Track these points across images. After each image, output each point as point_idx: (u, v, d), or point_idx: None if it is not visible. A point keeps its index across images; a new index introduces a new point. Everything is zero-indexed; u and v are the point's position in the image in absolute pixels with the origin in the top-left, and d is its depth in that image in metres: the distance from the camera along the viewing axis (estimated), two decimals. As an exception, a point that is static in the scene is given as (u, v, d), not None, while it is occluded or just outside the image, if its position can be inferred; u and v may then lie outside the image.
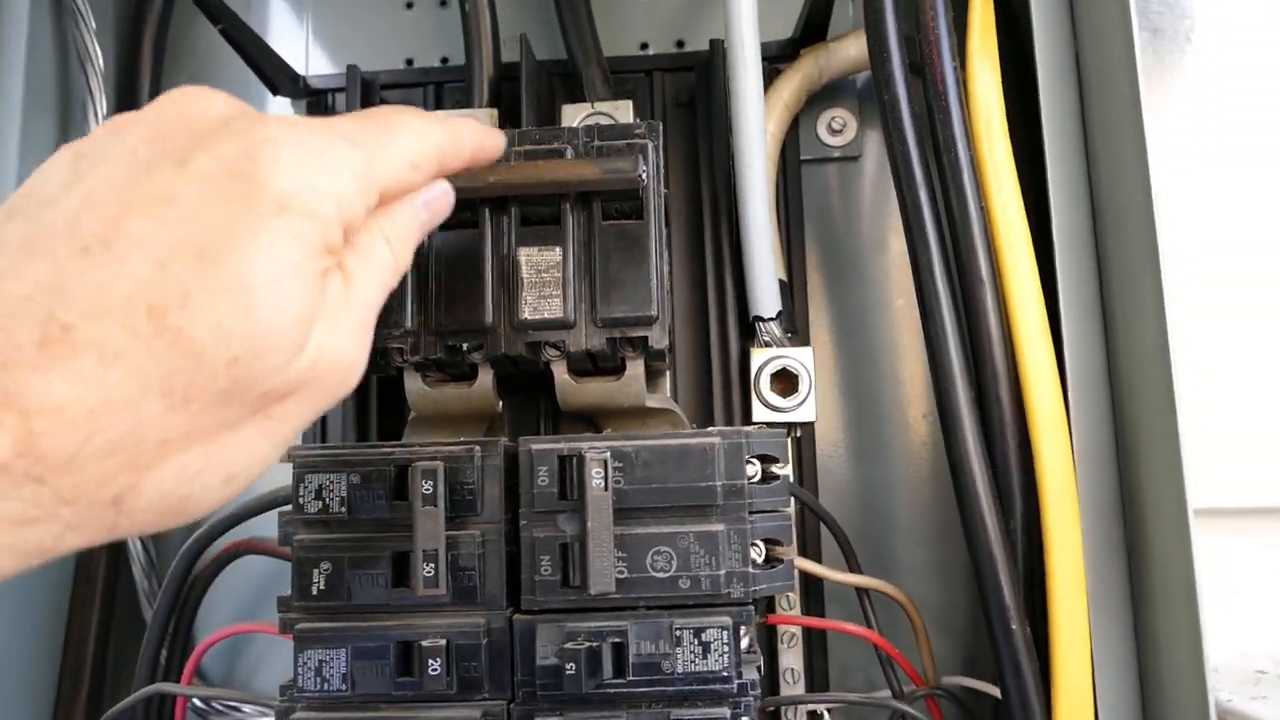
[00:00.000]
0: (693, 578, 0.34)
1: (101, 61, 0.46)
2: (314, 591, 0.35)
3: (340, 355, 0.25)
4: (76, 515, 0.21)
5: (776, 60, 0.47)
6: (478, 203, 0.37)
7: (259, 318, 0.22)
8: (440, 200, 0.31)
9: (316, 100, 0.50)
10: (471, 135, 0.31)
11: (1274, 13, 0.48)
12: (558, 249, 0.36)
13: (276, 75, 0.48)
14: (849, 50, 0.45)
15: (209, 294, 0.22)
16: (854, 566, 0.40)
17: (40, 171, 0.24)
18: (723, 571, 0.34)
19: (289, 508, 0.36)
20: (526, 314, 0.36)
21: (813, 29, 0.46)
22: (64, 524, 0.21)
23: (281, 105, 0.51)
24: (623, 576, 0.34)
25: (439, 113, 0.31)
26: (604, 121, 0.42)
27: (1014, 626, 0.33)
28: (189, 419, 0.22)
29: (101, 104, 0.46)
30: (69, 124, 0.47)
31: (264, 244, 0.22)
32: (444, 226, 0.37)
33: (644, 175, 0.35)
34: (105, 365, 0.21)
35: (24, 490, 0.20)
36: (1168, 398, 0.31)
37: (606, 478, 0.33)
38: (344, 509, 0.35)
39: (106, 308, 0.21)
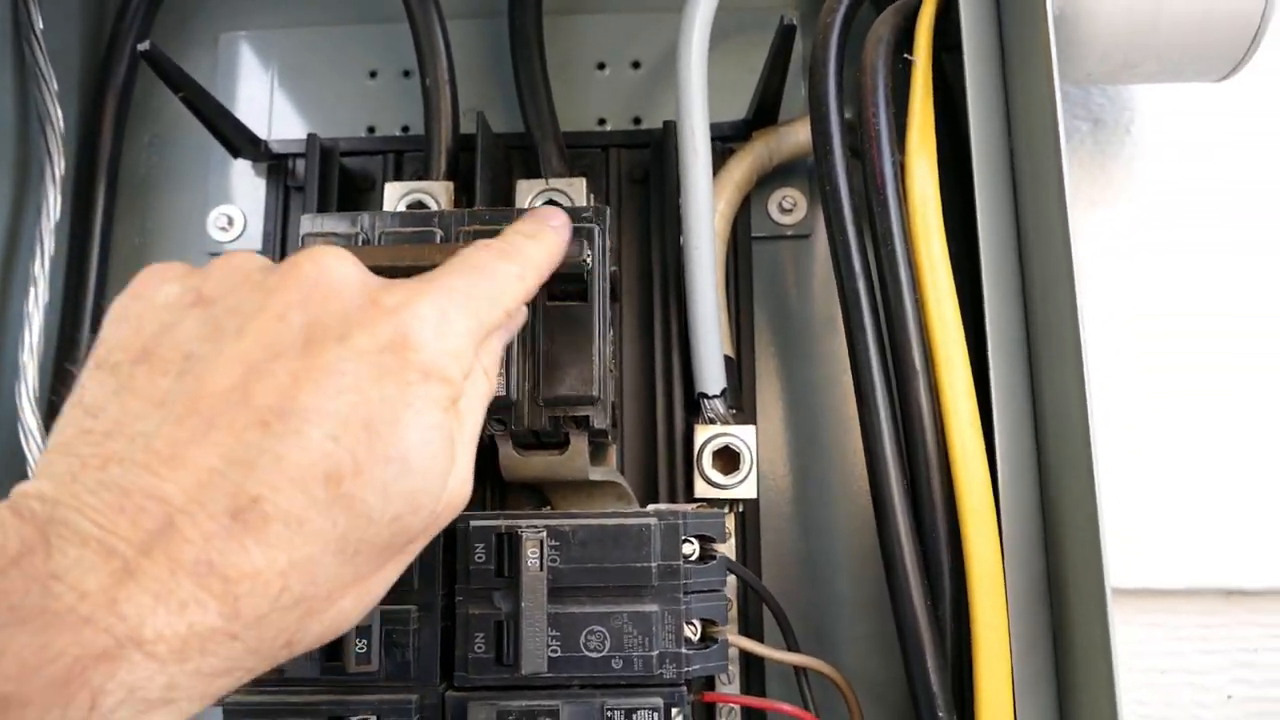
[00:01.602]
0: (625, 658, 0.34)
1: (62, 124, 0.46)
2: (247, 665, 0.35)
3: (463, 489, 0.28)
4: (257, 661, 0.23)
5: (729, 139, 0.48)
6: (425, 280, 0.37)
7: (415, 479, 0.25)
8: (519, 320, 0.35)
9: (277, 164, 0.50)
10: (551, 259, 0.34)
11: (1210, 105, 0.50)
12: (503, 328, 0.37)
13: (238, 139, 0.48)
14: (798, 135, 0.46)
15: (376, 462, 0.24)
16: (792, 644, 0.40)
17: (149, 303, 0.26)
18: (655, 652, 0.34)
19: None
20: (470, 391, 0.37)
21: (765, 111, 0.47)
22: (246, 669, 0.23)
23: (243, 167, 0.51)
24: (556, 655, 0.34)
25: (532, 226, 0.34)
26: (558, 199, 0.43)
27: (941, 715, 0.33)
28: (354, 569, 0.24)
29: (60, 165, 0.46)
30: (26, 185, 0.47)
31: (414, 412, 0.25)
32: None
33: (588, 259, 0.36)
34: (291, 530, 0.23)
35: (224, 648, 0.22)
36: (1089, 482, 0.32)
37: (542, 557, 0.34)
38: (281, 582, 0.35)
39: (288, 478, 0.23)
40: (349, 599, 0.25)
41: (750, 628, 0.43)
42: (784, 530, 0.46)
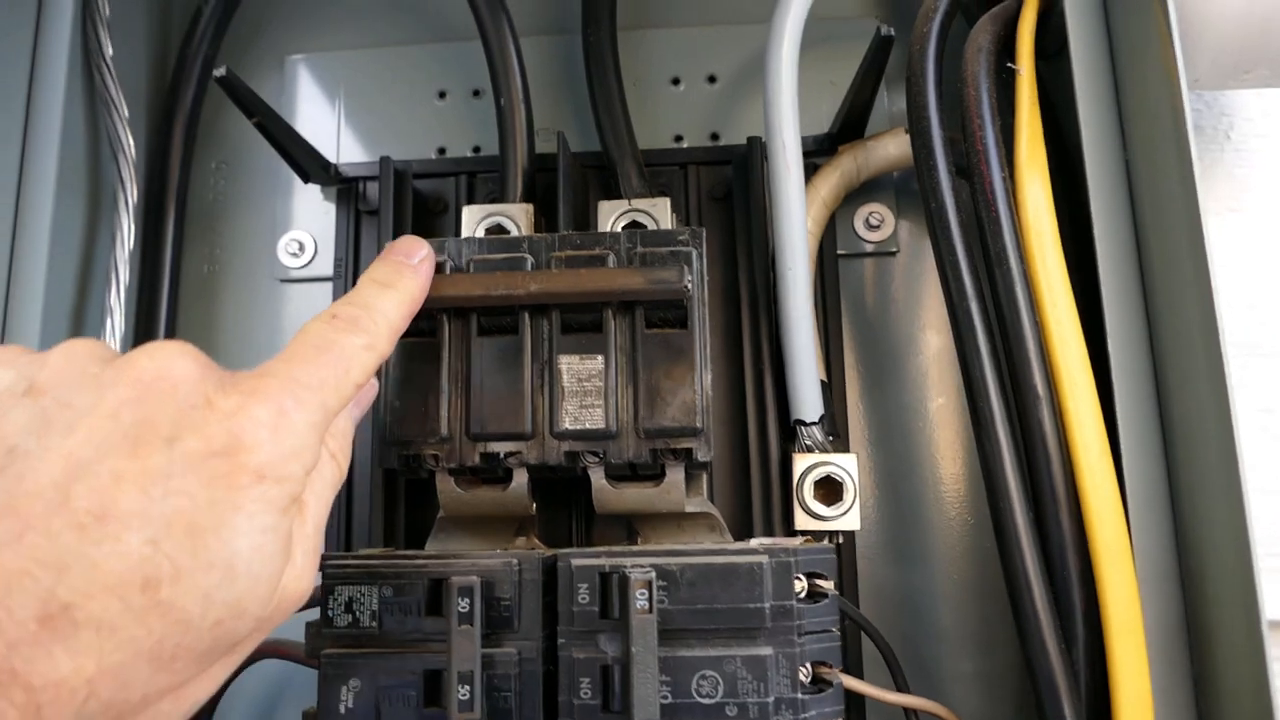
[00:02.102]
0: (740, 704, 0.32)
1: (133, 150, 0.45)
2: (341, 710, 0.33)
3: (298, 586, 0.26)
4: None
5: (814, 155, 0.46)
6: (517, 309, 0.36)
7: (241, 585, 0.24)
8: (371, 392, 0.35)
9: (347, 188, 0.49)
10: (411, 305, 0.33)
11: (1313, 112, 0.48)
12: (600, 357, 0.35)
13: (308, 163, 0.47)
14: (888, 148, 0.45)
15: (198, 569, 0.23)
16: (901, 684, 0.38)
17: None
18: (771, 698, 0.32)
19: (316, 616, 0.34)
20: (567, 424, 0.35)
21: (851, 125, 0.45)
22: None
23: (312, 192, 0.50)
24: (666, 702, 0.32)
25: (380, 277, 0.33)
26: (641, 219, 0.42)
27: (1079, 763, 0.31)
28: (171, 675, 0.23)
29: (132, 192, 0.45)
30: (99, 211, 0.47)
31: (244, 516, 0.24)
32: (482, 331, 0.37)
33: (690, 285, 0.34)
34: (102, 637, 0.22)
35: None
36: (1236, 508, 0.30)
37: (651, 599, 0.32)
38: (375, 623, 0.34)
39: (103, 584, 0.22)
40: (166, 703, 0.24)
41: (850, 666, 0.41)
42: (878, 561, 0.44)
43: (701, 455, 0.35)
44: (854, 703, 0.41)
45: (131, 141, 0.46)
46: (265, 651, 0.42)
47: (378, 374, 0.35)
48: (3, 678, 0.21)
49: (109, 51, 0.46)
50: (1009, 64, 0.39)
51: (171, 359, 0.25)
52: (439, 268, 0.37)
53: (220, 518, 0.23)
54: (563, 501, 0.43)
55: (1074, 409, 0.34)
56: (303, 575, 0.27)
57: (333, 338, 0.29)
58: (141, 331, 0.47)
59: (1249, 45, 0.40)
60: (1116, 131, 0.38)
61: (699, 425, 0.35)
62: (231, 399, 0.25)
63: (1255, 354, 0.45)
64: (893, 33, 0.40)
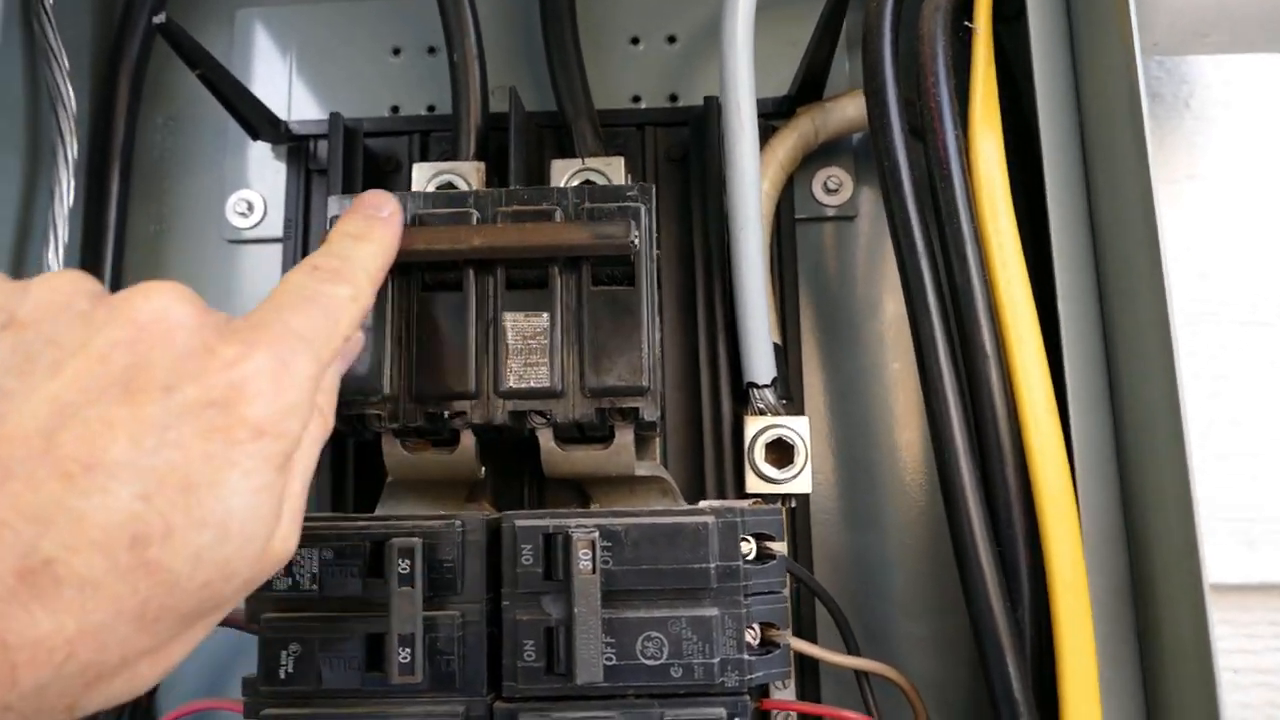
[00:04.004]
0: (685, 665, 0.32)
1: (74, 104, 0.44)
2: (282, 675, 0.33)
3: (284, 547, 0.25)
4: None
5: (771, 117, 0.46)
6: (461, 264, 0.35)
7: (232, 545, 0.23)
8: (356, 345, 0.34)
9: (298, 147, 0.48)
10: (387, 257, 0.32)
11: (1273, 80, 0.48)
12: (545, 315, 0.35)
13: (257, 120, 0.46)
14: (847, 110, 0.44)
15: (190, 526, 0.22)
16: (852, 647, 0.38)
17: None
18: (717, 659, 0.32)
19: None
20: (512, 382, 0.35)
21: (809, 87, 0.45)
22: None
23: (261, 150, 0.49)
24: (611, 664, 0.32)
25: (356, 224, 0.32)
26: (595, 179, 0.41)
27: (1023, 721, 0.31)
28: (153, 636, 0.22)
29: (73, 147, 0.44)
30: (38, 167, 0.45)
31: (240, 473, 0.23)
32: (426, 287, 0.36)
33: (636, 241, 0.34)
34: (84, 595, 0.21)
35: None
36: (1180, 472, 0.30)
37: (594, 559, 0.32)
38: (315, 586, 0.33)
39: (89, 539, 0.21)
40: (144, 664, 0.23)
41: (803, 629, 0.41)
42: (832, 525, 0.44)
43: (648, 414, 0.35)
44: (808, 667, 0.41)
45: (72, 94, 0.44)
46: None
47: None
48: None
49: (49, 0, 0.44)
50: (966, 23, 0.38)
51: (170, 301, 0.24)
52: (383, 223, 0.36)
53: (216, 473, 0.22)
54: (514, 467, 0.43)
55: (1022, 368, 0.33)
56: (289, 536, 0.25)
57: (318, 289, 0.28)
58: (84, 291, 0.46)
59: (1206, 7, 0.39)
60: (1072, 94, 0.37)
61: (645, 384, 0.34)
62: (232, 347, 0.24)
63: (1208, 321, 0.45)
64: (849, -11, 0.39)
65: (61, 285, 0.24)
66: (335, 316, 0.27)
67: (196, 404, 0.22)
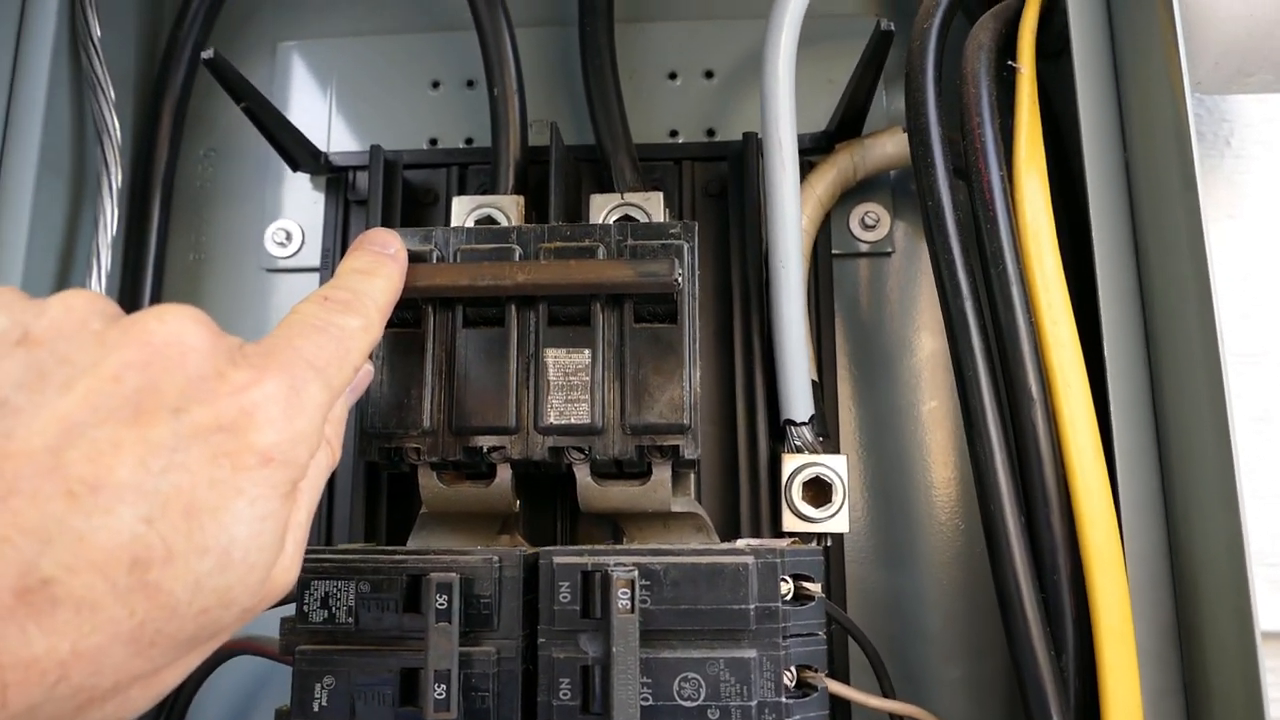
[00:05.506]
0: (722, 708, 0.32)
1: (119, 133, 0.45)
2: (315, 708, 0.33)
3: (285, 577, 0.25)
4: None
5: (809, 153, 0.46)
6: (504, 300, 0.35)
7: (233, 573, 0.23)
8: (366, 378, 0.32)
9: (337, 178, 0.48)
10: (394, 294, 0.32)
11: (1315, 120, 0.47)
12: (587, 351, 0.35)
13: (297, 151, 0.47)
14: (886, 147, 0.44)
15: (191, 553, 0.22)
16: (887, 689, 0.37)
17: None
18: (754, 701, 0.32)
19: (291, 612, 0.34)
20: (552, 418, 0.35)
21: (849, 123, 0.45)
22: None
23: (300, 180, 0.50)
24: (647, 704, 0.32)
25: (366, 257, 0.32)
26: (634, 214, 0.41)
27: (1067, 773, 0.31)
28: (148, 661, 0.22)
29: (116, 176, 0.45)
30: (82, 195, 0.46)
31: (245, 501, 0.23)
32: (469, 323, 0.36)
33: (679, 279, 0.34)
34: (81, 617, 0.20)
35: None
36: (1232, 517, 0.30)
37: (634, 598, 0.31)
38: (351, 620, 0.33)
39: (89, 560, 0.20)
40: (136, 689, 0.22)
41: (836, 670, 0.41)
42: (867, 564, 0.44)
43: (689, 453, 0.35)
44: (840, 708, 0.40)
45: (117, 124, 0.45)
46: (239, 648, 0.41)
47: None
48: None
49: (96, 33, 0.45)
50: (1010, 63, 0.38)
51: (184, 325, 0.24)
52: (425, 257, 0.36)
53: (221, 500, 0.22)
54: (548, 500, 0.42)
55: (1068, 411, 0.33)
56: (291, 566, 0.25)
57: (330, 319, 0.28)
58: (123, 318, 0.46)
59: (1252, 48, 0.39)
60: (1117, 133, 0.37)
61: (686, 422, 0.34)
62: (244, 373, 0.24)
63: (1250, 362, 0.45)
64: (893, 28, 0.39)
65: (77, 304, 0.24)
66: (346, 346, 0.28)
67: (205, 428, 0.22)
